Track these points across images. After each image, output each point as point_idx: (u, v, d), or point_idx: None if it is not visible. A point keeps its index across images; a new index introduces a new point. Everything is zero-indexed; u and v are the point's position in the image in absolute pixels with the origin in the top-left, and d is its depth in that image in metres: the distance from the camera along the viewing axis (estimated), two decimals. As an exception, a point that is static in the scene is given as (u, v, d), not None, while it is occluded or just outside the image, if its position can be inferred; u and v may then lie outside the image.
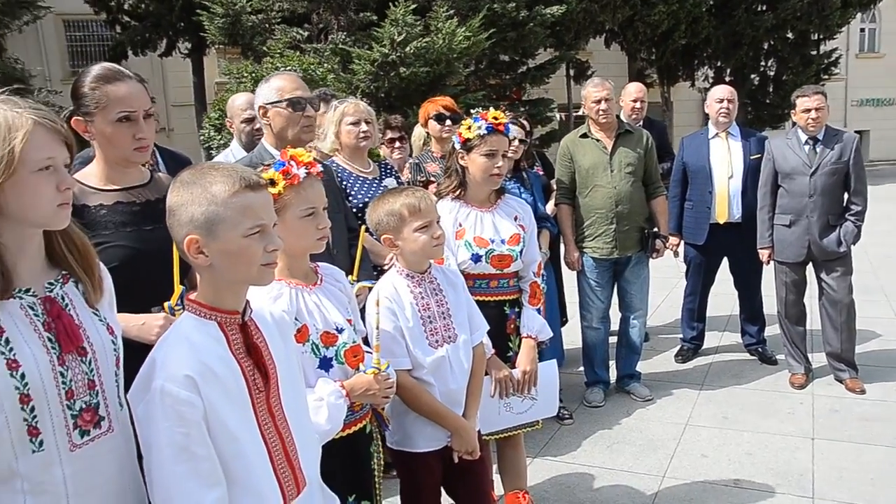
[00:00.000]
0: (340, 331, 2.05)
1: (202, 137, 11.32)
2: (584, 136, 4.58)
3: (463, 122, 2.89)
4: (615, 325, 4.89)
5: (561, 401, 4.39)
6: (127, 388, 1.56)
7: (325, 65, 11.60)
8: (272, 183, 1.93)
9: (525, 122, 4.78)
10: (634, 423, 4.31)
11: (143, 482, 1.58)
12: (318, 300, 2.05)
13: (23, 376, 1.36)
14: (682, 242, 5.22)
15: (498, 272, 2.91)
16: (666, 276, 6.00)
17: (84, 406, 1.46)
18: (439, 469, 2.45)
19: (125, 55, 17.19)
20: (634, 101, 5.54)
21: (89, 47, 20.73)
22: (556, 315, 4.56)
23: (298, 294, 2.01)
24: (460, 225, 2.88)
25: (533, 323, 2.97)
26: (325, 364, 2.01)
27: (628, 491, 3.53)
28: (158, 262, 1.96)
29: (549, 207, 4.67)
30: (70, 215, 1.49)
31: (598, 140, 4.52)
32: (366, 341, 2.24)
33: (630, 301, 4.67)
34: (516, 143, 4.29)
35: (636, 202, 4.50)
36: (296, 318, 1.97)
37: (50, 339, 1.43)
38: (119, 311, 2.02)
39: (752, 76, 20.77)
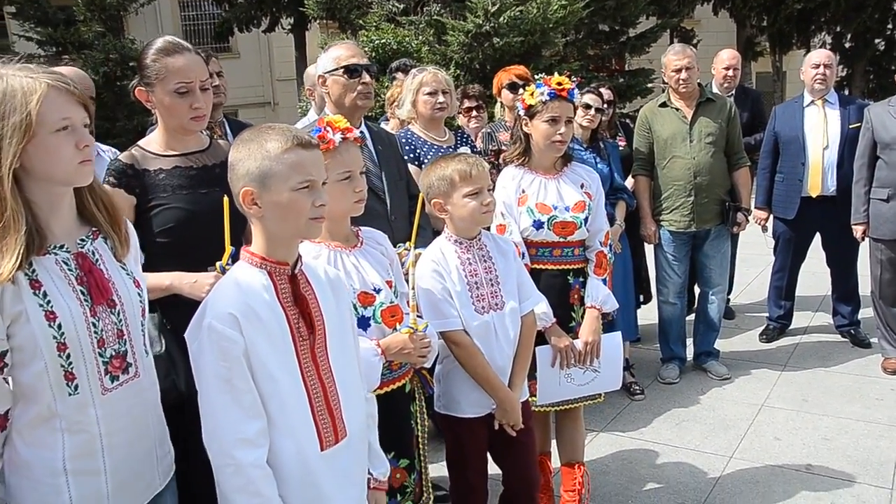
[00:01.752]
0: (378, 291, 2.10)
1: (300, 110, 11.65)
2: (664, 105, 4.44)
3: (526, 88, 2.86)
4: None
5: (633, 375, 4.37)
6: (182, 340, 1.68)
7: (420, 37, 11.67)
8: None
9: (605, 92, 4.68)
10: (707, 401, 4.19)
11: (165, 425, 1.71)
12: (357, 261, 2.11)
13: (59, 326, 1.48)
14: (772, 217, 4.98)
15: (561, 240, 2.86)
16: (759, 252, 5.73)
17: (114, 354, 1.58)
18: (484, 435, 2.47)
19: (231, 32, 17.86)
20: (727, 68, 5.30)
21: (201, 25, 21.59)
22: (631, 288, 4.47)
23: (337, 255, 2.08)
24: (523, 191, 2.86)
25: (597, 293, 2.92)
26: (363, 323, 2.07)
27: (692, 469, 3.45)
28: (211, 224, 2.05)
29: (630, 181, 4.57)
30: (93, 172, 1.58)
31: (677, 109, 4.37)
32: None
33: (709, 276, 4.52)
34: (592, 112, 4.22)
35: (717, 173, 4.33)
36: None
37: (83, 292, 1.54)
38: (173, 270, 2.17)
39: (877, 41, 19.29)
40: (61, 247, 1.54)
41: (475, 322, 2.40)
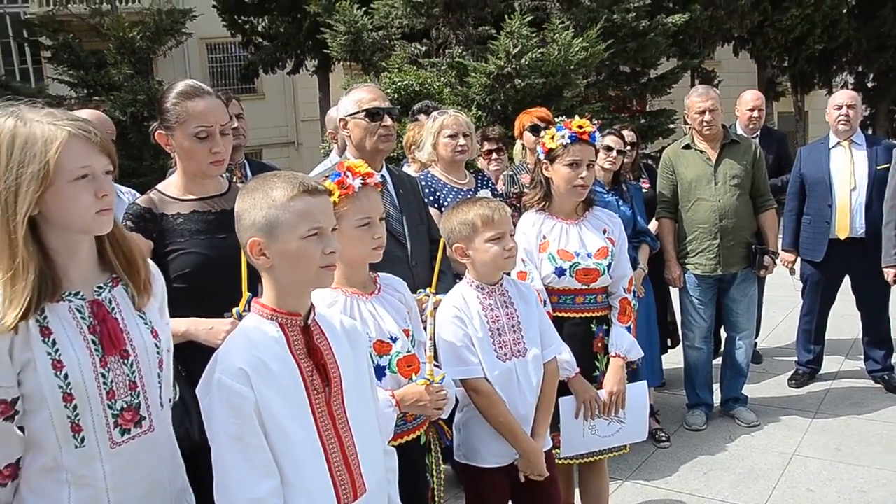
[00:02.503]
0: (394, 340, 2.06)
1: (322, 150, 11.77)
2: (687, 146, 4.40)
3: (546, 131, 2.83)
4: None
5: (658, 422, 4.26)
6: (196, 386, 1.63)
7: (442, 78, 11.79)
8: (328, 193, 1.98)
9: (628, 133, 4.66)
10: (736, 449, 4.06)
11: (186, 480, 1.65)
12: (374, 309, 2.07)
13: (66, 376, 1.45)
14: (799, 259, 4.88)
15: (584, 287, 2.81)
16: (786, 293, 5.63)
17: (125, 406, 1.53)
18: (505, 485, 2.40)
19: (257, 74, 18.18)
20: (751, 109, 5.27)
21: (228, 67, 22.02)
22: (655, 332, 4.37)
23: (354, 302, 2.04)
24: (544, 237, 2.82)
25: (622, 341, 2.85)
26: (379, 372, 2.01)
27: (721, 522, 3.33)
28: (229, 269, 2.01)
29: (654, 224, 4.51)
30: (112, 221, 1.55)
31: (701, 151, 4.32)
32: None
33: (735, 321, 4.42)
34: (614, 154, 4.19)
35: (742, 216, 4.26)
36: None
37: (94, 342, 1.50)
38: (190, 316, 2.13)
39: (900, 81, 19.20)
40: (76, 294, 1.51)
41: (497, 370, 2.34)
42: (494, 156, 4.47)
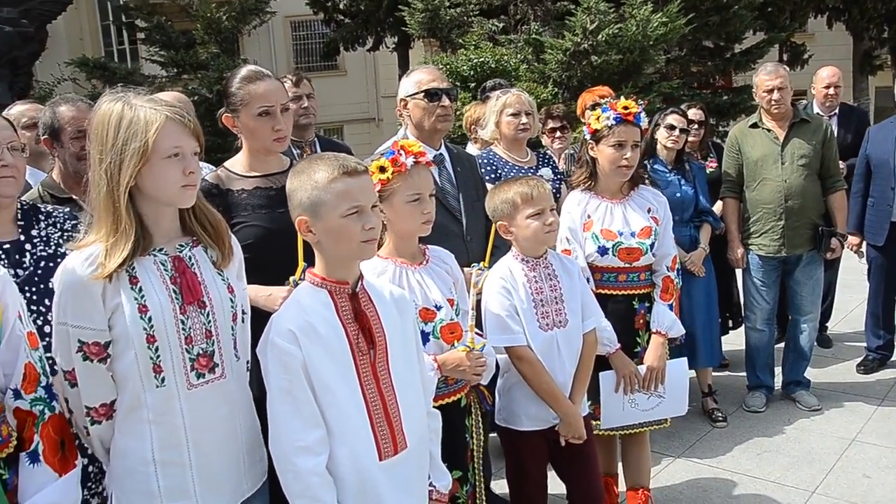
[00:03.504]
0: (439, 308, 2.20)
1: (398, 126, 11.97)
2: (755, 125, 4.34)
3: (592, 112, 2.89)
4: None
5: (716, 402, 4.28)
6: (255, 347, 1.83)
7: (519, 55, 11.77)
8: (382, 170, 2.13)
9: (696, 112, 4.63)
10: (793, 432, 4.03)
11: (261, 436, 1.84)
12: (421, 278, 2.21)
13: (150, 319, 1.66)
14: (865, 242, 4.76)
15: (627, 265, 2.88)
16: (860, 277, 5.46)
17: (201, 352, 1.73)
18: (543, 448, 2.52)
19: (338, 51, 18.53)
20: (827, 87, 5.13)
21: (311, 45, 22.49)
22: (715, 312, 4.36)
23: (402, 272, 2.19)
24: (588, 216, 2.89)
25: (663, 318, 2.91)
26: (423, 338, 2.15)
27: (769, 502, 3.34)
28: (287, 241, 2.19)
29: (719, 205, 4.48)
30: (195, 195, 1.76)
31: (769, 130, 4.26)
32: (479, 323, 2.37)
33: (799, 303, 4.35)
34: (676, 132, 4.19)
35: (809, 197, 4.18)
36: None
37: (174, 291, 1.71)
38: (251, 283, 2.32)
39: None
40: (160, 250, 1.72)
41: (539, 338, 2.45)
42: (558, 134, 4.53)
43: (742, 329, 4.73)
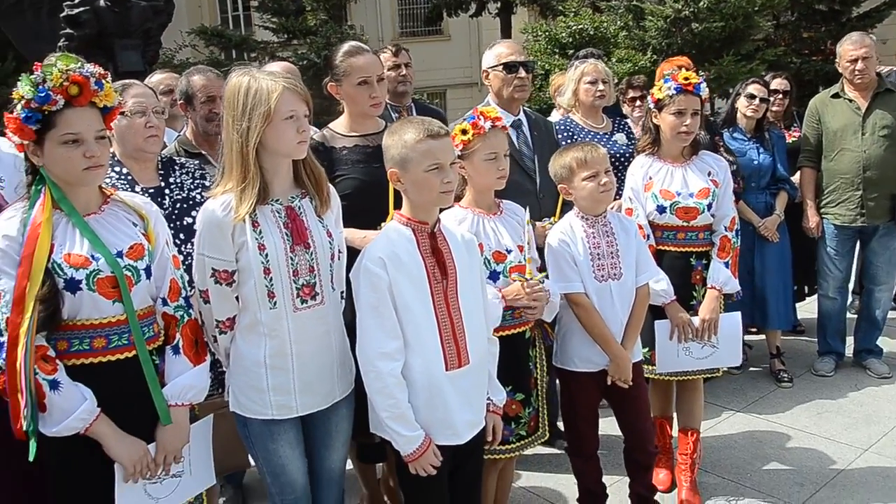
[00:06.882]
0: (509, 252, 2.55)
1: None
2: (836, 95, 4.39)
3: (656, 83, 3.12)
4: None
5: (783, 364, 4.44)
6: (348, 280, 2.24)
7: (619, 22, 11.75)
8: (464, 132, 2.49)
9: (781, 81, 4.73)
10: (858, 396, 4.16)
11: (349, 350, 2.25)
12: (495, 226, 2.57)
13: (266, 256, 2.08)
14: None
15: (685, 224, 3.10)
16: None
17: (305, 283, 2.15)
18: (594, 388, 2.81)
19: (441, 16, 18.81)
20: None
21: (416, 10, 22.84)
22: (789, 278, 4.51)
23: (480, 220, 2.55)
24: (650, 178, 3.14)
25: (718, 275, 3.12)
26: (494, 276, 2.53)
27: (820, 456, 3.53)
28: (380, 191, 2.58)
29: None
30: (307, 149, 2.16)
31: (850, 100, 4.31)
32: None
33: (875, 273, 4.43)
34: (756, 101, 4.32)
35: (889, 168, 4.23)
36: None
37: (286, 234, 2.12)
38: (350, 227, 2.72)
39: None
40: (276, 200, 2.13)
41: (594, 288, 2.75)
42: (638, 102, 4.72)
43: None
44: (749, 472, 3.42)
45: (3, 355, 1.81)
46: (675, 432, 3.38)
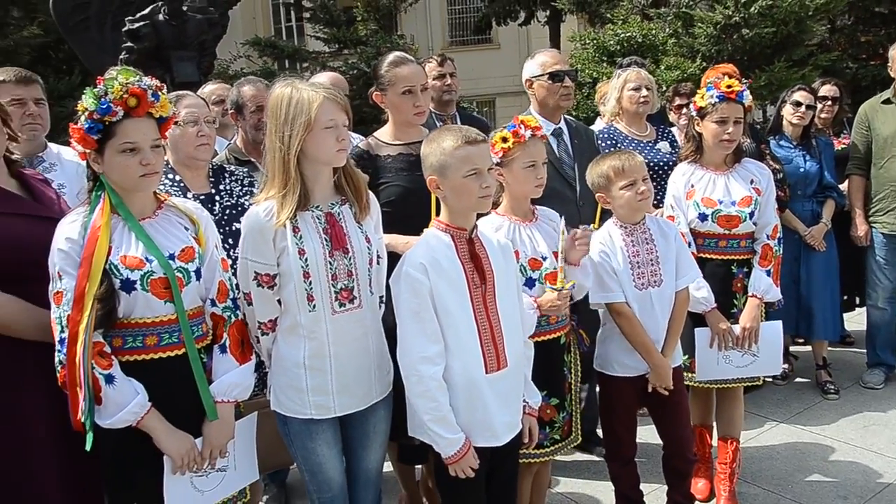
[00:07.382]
0: (545, 259, 2.59)
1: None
2: (888, 101, 4.32)
3: (698, 90, 3.13)
4: None
5: (829, 375, 4.38)
6: (387, 285, 2.30)
7: (667, 29, 11.64)
8: (504, 140, 2.54)
9: (830, 88, 4.67)
10: (907, 410, 4.07)
11: (387, 353, 2.32)
12: (531, 233, 2.61)
13: (306, 260, 2.16)
14: None
15: (726, 232, 3.09)
16: None
17: (343, 287, 2.22)
18: (632, 393, 2.83)
19: (490, 25, 18.90)
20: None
21: (465, 19, 22.97)
22: (836, 287, 4.45)
23: (516, 227, 2.60)
24: (692, 186, 3.14)
25: (759, 283, 3.10)
26: (530, 283, 2.57)
27: (866, 470, 3.47)
28: (422, 198, 2.62)
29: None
30: (346, 156, 2.23)
31: (902, 107, 4.23)
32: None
33: (926, 283, 4.33)
34: (802, 109, 4.28)
35: (942, 176, 4.14)
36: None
37: (326, 240, 2.20)
38: (393, 233, 2.79)
39: None
40: (317, 206, 2.20)
41: (635, 296, 2.76)
42: (684, 110, 4.71)
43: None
44: (790, 484, 3.38)
45: (64, 351, 1.93)
46: (714, 442, 3.36)
